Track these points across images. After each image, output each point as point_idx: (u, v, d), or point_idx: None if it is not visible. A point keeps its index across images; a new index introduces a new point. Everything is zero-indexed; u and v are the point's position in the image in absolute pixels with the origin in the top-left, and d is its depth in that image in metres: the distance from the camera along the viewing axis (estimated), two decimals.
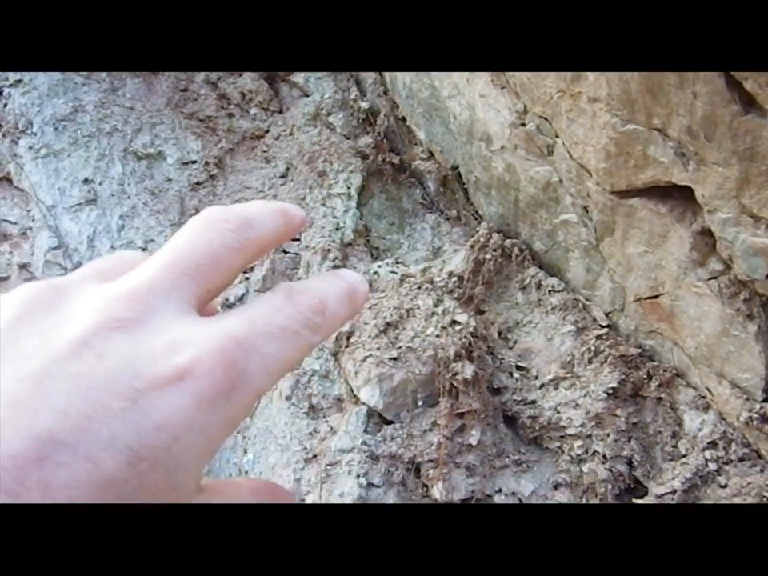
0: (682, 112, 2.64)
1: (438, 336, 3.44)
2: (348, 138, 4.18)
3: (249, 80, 4.48)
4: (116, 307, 0.54)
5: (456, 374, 3.32)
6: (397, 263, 3.88)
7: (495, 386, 3.47)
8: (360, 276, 0.69)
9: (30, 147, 4.01)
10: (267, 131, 4.37)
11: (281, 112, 4.45)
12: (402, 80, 3.97)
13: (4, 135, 4.06)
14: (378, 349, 3.42)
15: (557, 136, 3.25)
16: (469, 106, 3.60)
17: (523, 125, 3.36)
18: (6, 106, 4.13)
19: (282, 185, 4.12)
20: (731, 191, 2.72)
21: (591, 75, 2.83)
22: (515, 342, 3.65)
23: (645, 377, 3.43)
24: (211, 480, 0.63)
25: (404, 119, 4.13)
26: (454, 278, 3.66)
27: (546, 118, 3.24)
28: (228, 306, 3.71)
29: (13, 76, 4.15)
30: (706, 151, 2.68)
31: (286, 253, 3.89)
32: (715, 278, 3.07)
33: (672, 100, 2.63)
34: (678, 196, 2.98)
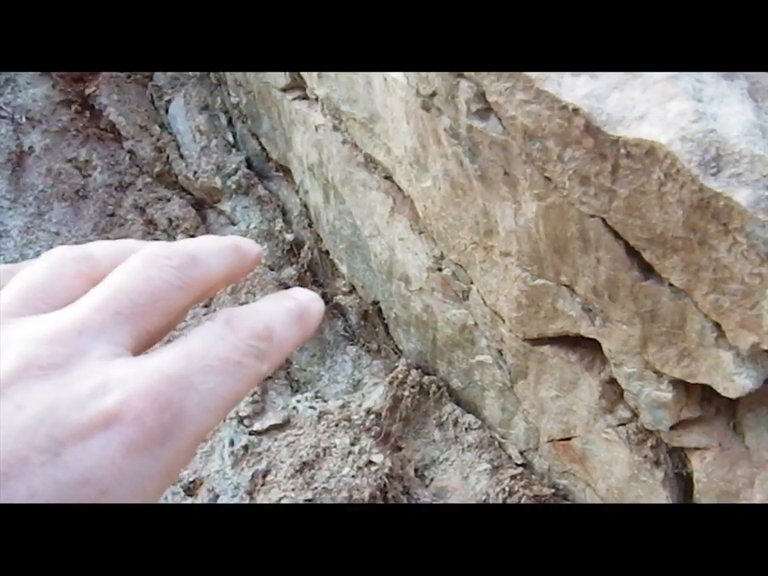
0: (587, 273, 2.74)
1: (353, 476, 3.45)
2: (272, 270, 4.24)
3: (176, 206, 4.53)
4: (39, 352, 0.49)
5: None
6: (316, 397, 3.91)
7: None
8: (312, 294, 0.65)
9: None
10: None
11: None
12: (326, 216, 4.06)
13: None
14: (293, 489, 3.42)
15: (471, 283, 3.34)
16: (389, 247, 3.68)
17: (440, 269, 3.45)
18: None
19: (204, 314, 4.14)
20: (635, 348, 2.81)
21: (502, 232, 2.93)
22: (431, 480, 3.67)
23: None
24: None
25: (327, 252, 4.21)
26: (372, 416, 3.69)
27: (461, 266, 3.33)
28: None
29: None
30: (611, 310, 2.78)
31: None
32: (623, 424, 3.15)
33: (578, 262, 2.74)
34: (588, 345, 3.07)
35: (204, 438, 0.52)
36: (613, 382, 3.06)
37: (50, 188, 4.44)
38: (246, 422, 3.75)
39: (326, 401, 3.88)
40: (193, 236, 4.41)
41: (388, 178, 3.57)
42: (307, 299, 0.64)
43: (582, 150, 2.41)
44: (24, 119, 4.58)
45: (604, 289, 2.74)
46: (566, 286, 2.90)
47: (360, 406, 3.76)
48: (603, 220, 2.54)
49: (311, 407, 3.81)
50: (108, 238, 4.32)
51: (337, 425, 3.67)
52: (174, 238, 4.47)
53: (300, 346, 4.07)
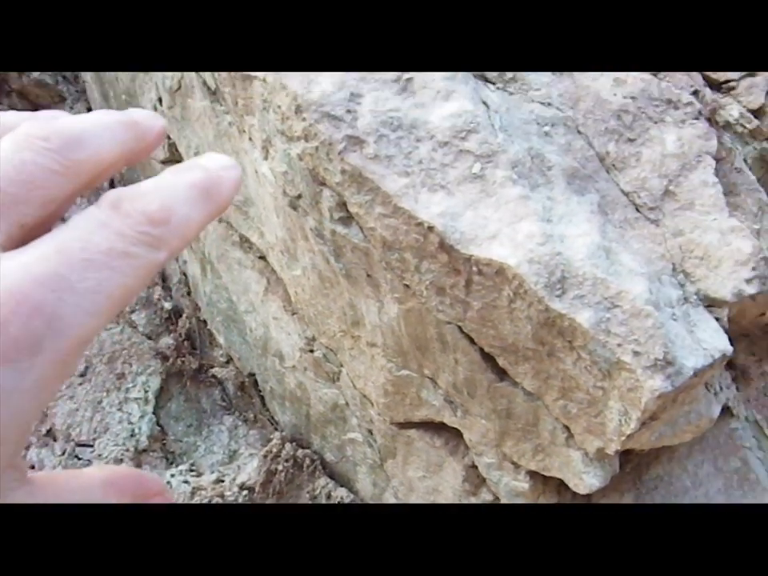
0: (447, 371, 2.84)
1: None
2: (150, 338, 4.24)
3: None
4: None
5: None
6: (191, 470, 3.91)
7: None
8: (224, 160, 0.56)
9: None
10: None
11: None
12: (203, 288, 4.09)
13: None
14: None
15: (341, 366, 3.41)
16: (263, 324, 3.73)
17: (312, 351, 3.51)
18: None
19: (80, 384, 4.11)
20: (493, 440, 2.92)
21: (368, 325, 3.01)
22: None
23: None
24: (46, 472, 0.51)
25: (206, 322, 4.23)
26: (245, 491, 3.72)
27: (331, 350, 3.40)
28: None
29: None
30: (470, 405, 2.88)
31: (79, 459, 3.87)
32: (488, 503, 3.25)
33: (438, 359, 2.83)
34: (452, 431, 3.17)
35: (89, 343, 0.46)
36: (476, 467, 3.17)
37: None
38: None
39: (200, 474, 3.89)
40: None
41: (262, 258, 3.62)
42: (218, 167, 0.54)
43: (438, 263, 2.51)
44: None
45: (463, 386, 2.83)
46: (430, 378, 3.00)
47: (234, 480, 3.79)
48: (459, 327, 2.64)
49: (185, 482, 3.81)
50: None
51: (210, 501, 3.69)
52: None
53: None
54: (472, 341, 2.65)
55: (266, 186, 3.09)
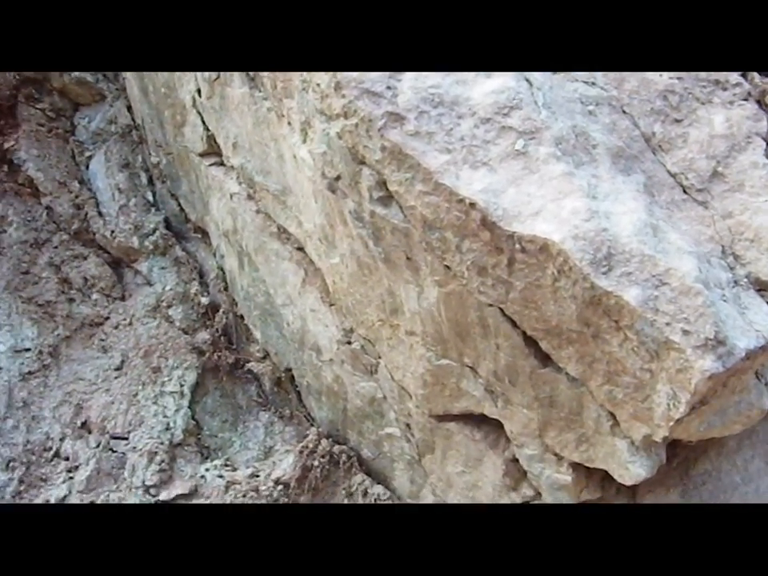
0: (488, 357, 2.77)
1: None
2: (186, 333, 4.20)
3: (93, 264, 4.48)
4: None
5: None
6: (226, 465, 3.86)
7: None
8: None
9: None
10: (107, 318, 4.35)
11: (123, 299, 4.45)
12: (240, 282, 4.05)
13: None
14: None
15: (380, 357, 3.35)
16: (301, 317, 3.68)
17: (349, 343, 3.46)
18: None
19: (116, 377, 4.09)
20: (535, 431, 2.84)
21: (408, 312, 2.95)
22: None
23: None
24: None
25: (242, 317, 4.19)
26: (280, 486, 3.66)
27: (369, 341, 3.34)
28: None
29: None
30: (511, 393, 2.81)
31: (113, 452, 3.83)
32: (528, 502, 3.17)
33: (479, 346, 2.77)
34: (492, 423, 3.09)
35: None
36: (516, 460, 3.09)
37: None
38: (151, 491, 3.69)
39: (235, 469, 3.84)
40: (108, 296, 4.39)
41: (300, 249, 3.58)
42: None
43: (480, 242, 2.45)
44: None
45: (504, 373, 2.76)
46: (470, 367, 2.93)
47: (269, 475, 3.73)
48: (501, 309, 2.57)
49: (220, 476, 3.76)
50: (21, 297, 4.28)
51: (245, 495, 3.64)
52: (89, 298, 4.42)
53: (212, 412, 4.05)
54: (514, 324, 2.58)
55: (304, 171, 3.05)
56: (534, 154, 2.45)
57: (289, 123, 3.06)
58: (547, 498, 3.01)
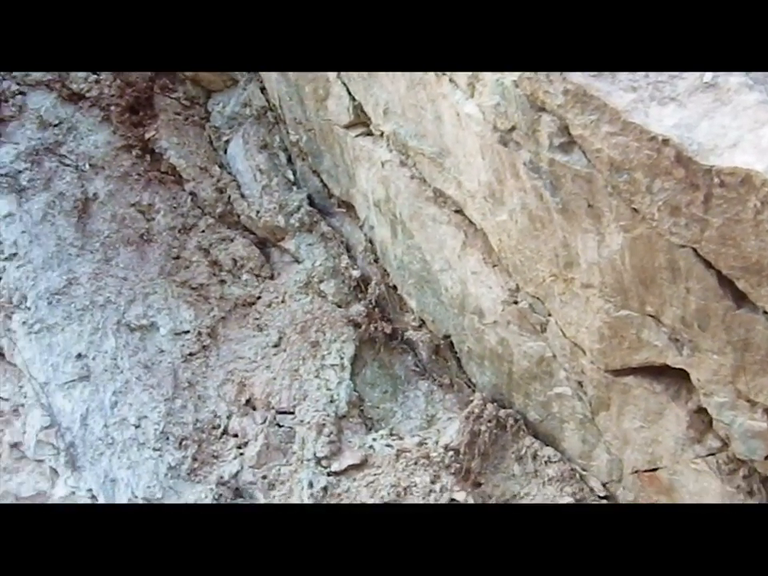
0: (675, 303, 2.68)
1: None
2: (340, 307, 4.22)
3: (240, 246, 4.54)
4: None
5: None
6: (392, 435, 3.87)
7: None
8: None
9: (24, 322, 4.03)
10: (259, 298, 4.41)
11: (272, 278, 4.49)
12: (393, 251, 4.04)
13: None
14: None
15: (549, 315, 3.29)
16: (460, 281, 3.65)
17: (516, 302, 3.41)
18: (0, 279, 4.14)
19: (274, 354, 4.13)
20: (726, 377, 2.74)
21: (584, 263, 2.89)
22: None
23: None
24: None
25: (395, 287, 4.18)
26: (450, 452, 3.65)
27: (538, 298, 3.28)
28: (222, 483, 3.67)
29: (8, 249, 4.19)
30: (700, 339, 2.71)
31: (280, 426, 3.87)
32: (713, 454, 3.07)
33: (665, 292, 2.68)
34: (673, 375, 3.01)
35: None
36: (701, 411, 2.99)
37: (115, 233, 4.47)
38: (323, 462, 3.72)
39: (401, 438, 3.84)
40: (258, 276, 4.43)
41: (459, 212, 3.54)
42: None
43: (672, 180, 2.37)
44: (87, 166, 4.62)
45: (693, 318, 2.68)
46: (652, 316, 2.85)
47: (437, 442, 3.72)
48: (694, 250, 2.48)
49: (388, 445, 3.77)
50: (175, 281, 4.36)
51: (416, 463, 3.63)
52: (240, 279, 4.48)
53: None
54: (709, 264, 2.49)
55: (469, 128, 3.01)
56: (724, 85, 2.36)
57: (450, 81, 3.02)
58: (738, 448, 2.91)
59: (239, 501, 3.68)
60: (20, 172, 4.46)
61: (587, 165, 2.56)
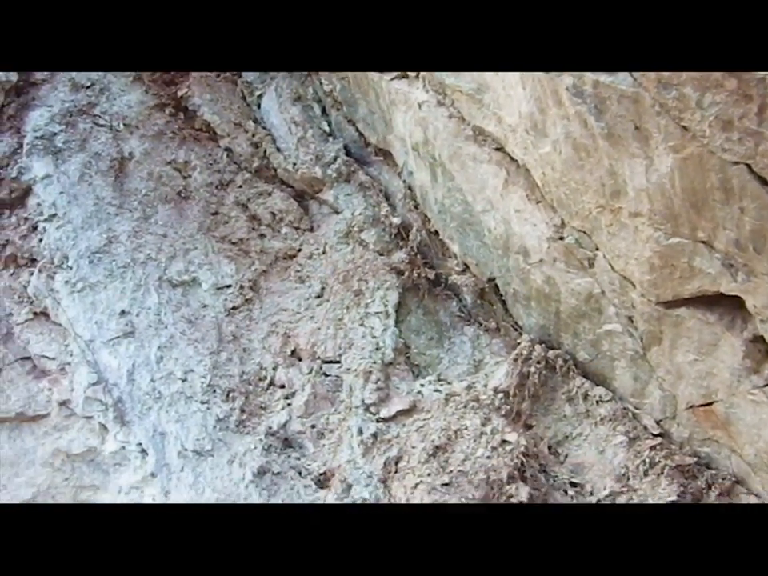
0: (728, 226, 2.60)
1: (488, 457, 3.37)
2: (381, 255, 4.17)
3: (278, 199, 4.50)
4: None
5: (510, 496, 3.25)
6: (439, 380, 3.83)
7: None
8: None
9: (67, 282, 4.03)
10: (299, 250, 4.38)
11: (311, 230, 4.46)
12: (434, 195, 3.97)
13: (40, 270, 4.09)
14: (429, 474, 3.36)
15: (597, 249, 3.22)
16: (504, 221, 3.58)
17: (561, 238, 3.34)
18: (41, 240, 4.15)
19: (318, 305, 4.10)
20: None
21: (632, 191, 2.81)
22: (566, 457, 3.57)
23: (704, 486, 3.34)
24: None
25: (437, 233, 4.12)
26: (500, 394, 3.60)
27: (585, 232, 3.21)
28: (271, 434, 3.66)
29: (48, 210, 4.19)
30: (756, 263, 2.63)
31: (327, 376, 3.84)
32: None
33: (717, 215, 2.60)
34: (727, 303, 2.93)
35: None
36: (757, 340, 2.91)
37: (152, 191, 4.45)
38: (372, 409, 3.69)
39: (449, 383, 3.80)
40: (297, 228, 4.40)
41: (499, 149, 3.47)
42: None
43: (724, 92, 2.28)
44: (122, 126, 4.60)
45: (748, 241, 2.59)
46: (704, 242, 2.76)
47: (486, 385, 3.67)
48: (748, 166, 2.40)
49: (436, 390, 3.73)
50: (214, 237, 4.33)
51: (465, 406, 3.59)
52: (279, 232, 4.45)
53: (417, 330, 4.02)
54: (764, 181, 2.41)
55: None
56: None
57: None
58: None
59: (289, 451, 3.67)
60: (55, 134, 4.44)
61: (633, 84, 2.49)
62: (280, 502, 3.48)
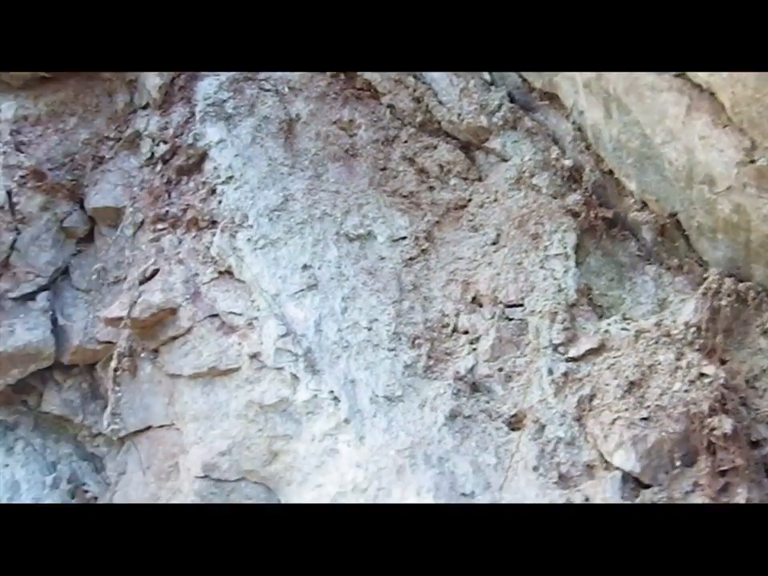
0: None
1: (686, 391, 3.30)
2: (555, 198, 4.12)
3: (445, 151, 4.51)
4: None
5: (713, 429, 3.18)
6: (625, 319, 3.77)
7: (753, 439, 3.29)
8: None
9: (248, 239, 4.13)
10: (470, 200, 4.38)
11: (480, 179, 4.44)
12: (608, 132, 3.89)
13: (222, 230, 4.21)
14: (626, 410, 3.31)
15: None
16: (686, 150, 3.48)
17: (752, 161, 3.22)
18: (220, 202, 4.28)
19: (494, 251, 4.08)
20: None
21: None
22: (765, 390, 3.46)
23: None
24: None
25: (611, 172, 4.03)
26: (692, 329, 3.51)
27: None
28: (459, 378, 3.67)
29: (224, 173, 4.32)
30: None
31: (510, 320, 3.83)
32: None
33: None
34: None
35: None
36: None
37: (321, 150, 4.51)
38: (560, 349, 3.66)
39: (636, 321, 3.73)
40: (466, 179, 4.39)
41: (679, 75, 3.37)
42: None
43: None
44: (286, 89, 4.69)
45: None
46: None
47: (675, 321, 3.59)
48: None
49: (624, 329, 3.67)
50: (385, 191, 4.37)
51: (656, 342, 3.52)
52: (448, 183, 4.45)
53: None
54: None
55: None
56: None
57: None
58: None
59: (477, 394, 3.68)
60: (224, 101, 4.57)
61: None
62: (474, 444, 3.50)
